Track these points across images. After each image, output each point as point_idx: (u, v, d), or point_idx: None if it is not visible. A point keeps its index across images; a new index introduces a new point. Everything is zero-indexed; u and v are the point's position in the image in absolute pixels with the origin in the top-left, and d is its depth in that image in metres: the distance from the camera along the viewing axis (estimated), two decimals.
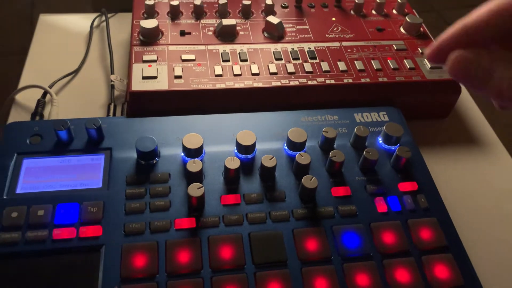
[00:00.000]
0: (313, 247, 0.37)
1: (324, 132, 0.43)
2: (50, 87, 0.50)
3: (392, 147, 0.44)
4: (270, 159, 0.40)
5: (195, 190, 0.37)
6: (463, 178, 0.48)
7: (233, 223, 0.38)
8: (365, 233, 0.38)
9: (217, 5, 0.55)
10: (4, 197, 0.38)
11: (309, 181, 0.39)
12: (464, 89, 0.54)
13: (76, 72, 0.54)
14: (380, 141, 0.45)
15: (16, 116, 0.49)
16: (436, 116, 0.53)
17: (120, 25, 0.61)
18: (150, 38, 0.50)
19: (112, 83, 0.51)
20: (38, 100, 0.48)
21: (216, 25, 0.53)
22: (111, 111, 0.48)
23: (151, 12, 0.53)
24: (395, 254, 0.37)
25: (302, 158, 0.40)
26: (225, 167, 0.39)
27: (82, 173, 0.40)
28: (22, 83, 0.53)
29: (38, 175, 0.39)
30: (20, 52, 1.62)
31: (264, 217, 0.38)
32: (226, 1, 0.54)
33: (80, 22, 0.62)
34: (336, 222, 0.39)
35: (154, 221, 0.37)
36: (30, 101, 0.50)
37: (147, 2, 0.53)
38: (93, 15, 0.63)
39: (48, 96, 0.50)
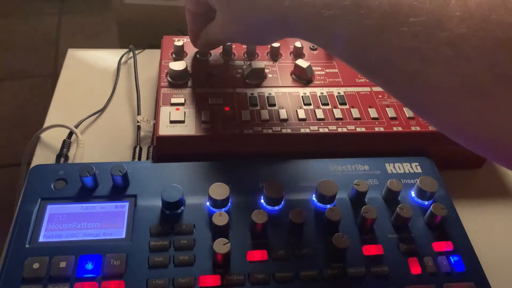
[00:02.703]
0: None
1: (356, 186, 0.41)
2: (76, 126, 0.50)
3: (426, 202, 0.42)
4: (299, 215, 0.39)
5: (221, 246, 0.36)
6: (500, 234, 0.46)
7: (260, 282, 0.36)
8: None
9: (245, 46, 0.55)
10: (27, 246, 0.37)
11: (340, 240, 0.37)
12: None
13: (102, 111, 0.54)
14: (413, 195, 0.43)
15: (41, 155, 0.49)
16: (470, 166, 0.51)
17: (148, 62, 0.61)
18: (179, 80, 0.50)
19: (139, 123, 0.50)
20: (64, 141, 0.48)
21: (244, 67, 0.52)
22: (137, 154, 0.48)
23: (179, 53, 0.53)
24: None
25: (332, 213, 0.39)
26: (252, 221, 0.38)
27: (106, 221, 0.39)
28: (48, 119, 0.53)
29: (62, 223, 0.39)
30: (45, 75, 1.65)
31: (292, 276, 0.36)
32: None
33: (108, 57, 0.62)
34: (368, 284, 0.37)
35: (178, 277, 0.36)
36: (55, 140, 0.50)
37: (176, 43, 0.53)
38: (121, 51, 0.63)
39: (73, 136, 0.49)
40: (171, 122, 0.45)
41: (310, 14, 0.32)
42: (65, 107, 0.55)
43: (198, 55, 0.54)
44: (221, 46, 0.54)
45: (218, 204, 0.40)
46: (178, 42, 0.53)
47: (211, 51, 0.54)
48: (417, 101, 0.30)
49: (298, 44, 0.55)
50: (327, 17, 0.31)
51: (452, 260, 0.39)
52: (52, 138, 0.50)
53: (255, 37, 0.43)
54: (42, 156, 0.49)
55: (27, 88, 1.64)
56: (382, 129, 0.47)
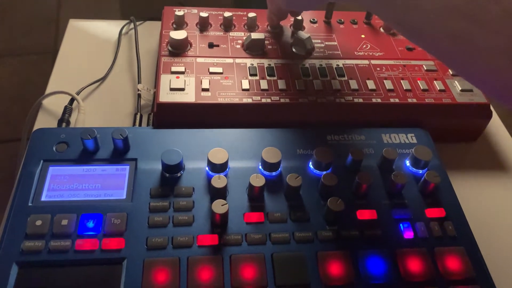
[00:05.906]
0: (337, 271, 0.36)
1: (352, 153, 0.42)
2: (78, 93, 0.51)
3: (420, 171, 0.43)
4: (296, 178, 0.39)
5: (219, 207, 0.37)
6: (491, 205, 0.47)
7: (256, 242, 0.37)
8: (390, 259, 0.37)
9: (246, 18, 0.55)
10: (30, 204, 0.38)
11: (335, 204, 0.38)
12: (495, 113, 0.53)
13: (103, 79, 0.55)
14: (408, 164, 0.44)
15: (42, 121, 0.49)
16: (465, 139, 0.52)
17: (149, 33, 0.61)
18: (179, 49, 0.50)
19: (139, 92, 0.51)
20: (65, 107, 0.49)
21: (244, 38, 0.52)
22: (137, 121, 0.48)
23: (180, 23, 0.54)
24: (420, 283, 0.36)
25: (328, 179, 0.40)
26: (250, 184, 0.39)
27: (107, 183, 0.40)
28: (50, 88, 0.53)
29: (63, 183, 0.40)
30: (45, 53, 1.65)
31: (288, 237, 0.37)
32: (255, 15, 0.54)
33: (109, 28, 0.63)
34: (361, 246, 0.38)
35: (177, 236, 0.37)
36: (57, 107, 0.50)
37: (177, 13, 0.53)
38: (122, 22, 0.63)
39: (75, 102, 0.50)
40: (171, 89, 0.46)
41: None
42: (66, 76, 0.55)
43: (269, 28, 0.55)
44: (222, 17, 0.54)
45: (217, 168, 0.41)
46: (179, 12, 0.54)
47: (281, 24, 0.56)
48: (461, 64, 0.29)
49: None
50: None
51: (443, 226, 0.40)
52: (53, 105, 0.51)
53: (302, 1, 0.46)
54: (44, 123, 0.49)
55: (27, 65, 1.64)
56: (379, 100, 0.48)
